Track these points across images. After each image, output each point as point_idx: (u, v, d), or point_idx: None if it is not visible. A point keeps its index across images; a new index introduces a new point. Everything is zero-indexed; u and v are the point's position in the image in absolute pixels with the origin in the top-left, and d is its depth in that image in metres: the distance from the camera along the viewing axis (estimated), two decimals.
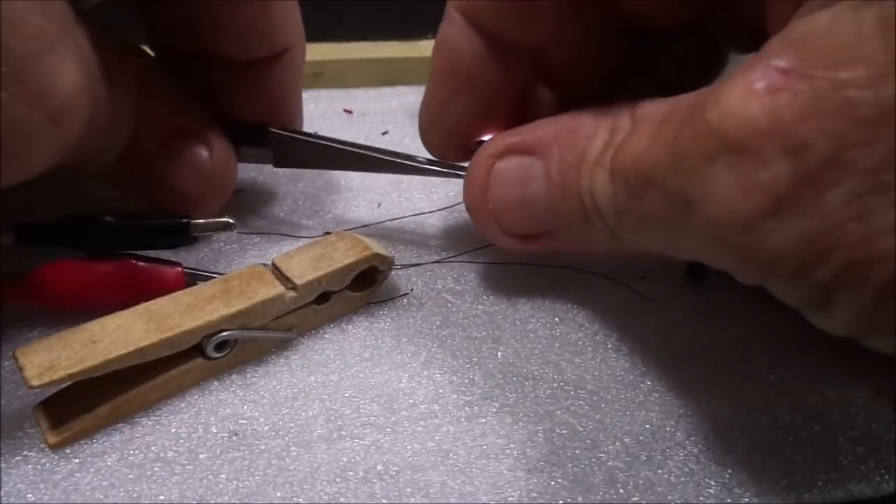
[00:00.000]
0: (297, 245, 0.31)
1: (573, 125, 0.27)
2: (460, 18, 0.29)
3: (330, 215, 0.37)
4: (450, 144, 0.32)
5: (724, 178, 0.20)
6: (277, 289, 0.28)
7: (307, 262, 0.29)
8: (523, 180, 0.28)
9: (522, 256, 0.33)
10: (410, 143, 0.44)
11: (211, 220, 0.31)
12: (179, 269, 0.30)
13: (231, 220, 0.31)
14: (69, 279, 0.29)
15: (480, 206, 0.29)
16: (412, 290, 0.33)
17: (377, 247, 0.30)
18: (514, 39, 0.29)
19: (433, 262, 0.34)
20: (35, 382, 0.23)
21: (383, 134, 0.45)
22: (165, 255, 0.31)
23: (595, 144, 0.26)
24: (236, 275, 0.28)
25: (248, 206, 0.38)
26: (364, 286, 0.31)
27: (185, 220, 0.31)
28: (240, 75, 0.33)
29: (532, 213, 0.28)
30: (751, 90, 0.19)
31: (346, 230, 0.33)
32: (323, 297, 0.29)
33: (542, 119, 0.29)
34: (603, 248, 0.27)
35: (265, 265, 0.29)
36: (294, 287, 0.28)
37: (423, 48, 0.50)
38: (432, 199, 0.39)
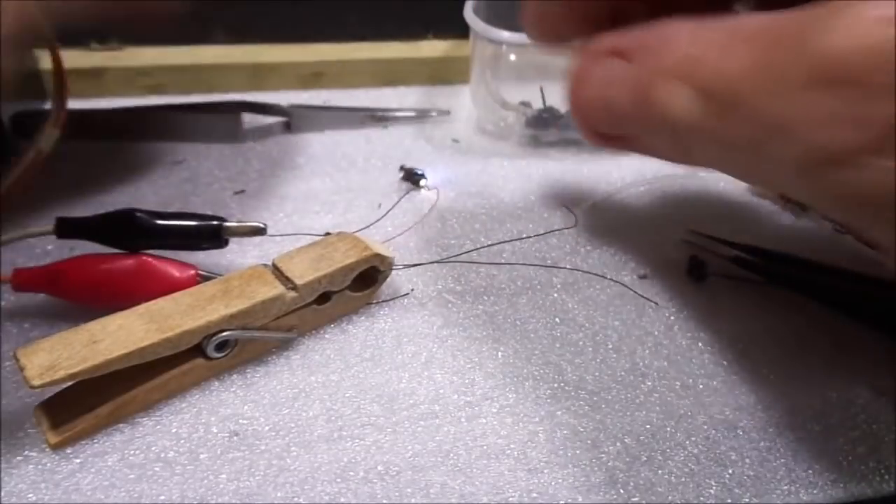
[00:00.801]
0: (298, 245, 0.30)
1: (664, 33, 0.26)
2: None
3: (330, 215, 0.37)
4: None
5: (828, 105, 0.19)
6: (278, 289, 0.28)
7: (307, 262, 0.29)
8: (608, 82, 0.27)
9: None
10: (411, 143, 0.44)
11: (243, 223, 0.32)
12: (194, 271, 0.30)
13: (262, 225, 0.31)
14: (85, 273, 0.29)
15: (575, 99, 0.29)
16: (412, 290, 0.33)
17: (377, 247, 0.30)
18: None
19: (433, 262, 0.34)
20: (36, 382, 0.23)
21: (384, 128, 0.45)
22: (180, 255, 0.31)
23: (683, 53, 0.25)
24: (237, 275, 0.28)
25: (248, 207, 0.38)
26: (365, 286, 0.31)
27: (217, 224, 0.31)
28: None
29: (613, 115, 0.27)
30: (867, 17, 0.18)
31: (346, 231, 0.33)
32: (323, 297, 0.29)
33: (640, 25, 0.28)
34: (678, 160, 0.28)
35: (266, 266, 0.29)
36: (294, 287, 0.28)
37: (423, 48, 0.50)
38: (432, 200, 0.39)
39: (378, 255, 0.30)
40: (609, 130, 0.28)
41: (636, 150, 0.29)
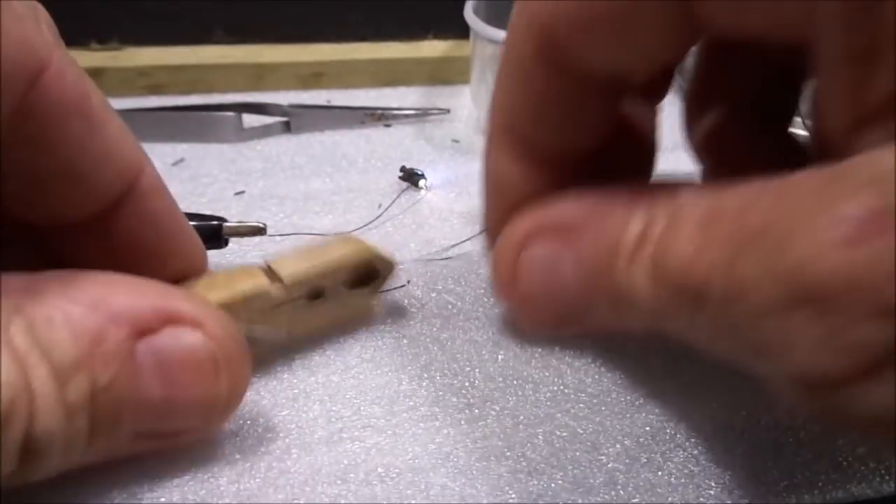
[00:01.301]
0: (298, 245, 0.30)
1: (604, 205, 0.24)
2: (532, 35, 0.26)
3: (330, 216, 0.38)
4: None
5: (808, 330, 0.17)
6: (262, 281, 0.27)
7: (299, 258, 0.28)
8: (551, 270, 0.26)
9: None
10: (411, 143, 0.44)
11: (243, 223, 0.32)
12: None
13: (262, 225, 0.31)
14: None
15: (508, 293, 0.28)
16: (409, 281, 0.33)
17: (379, 248, 0.30)
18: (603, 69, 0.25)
19: (433, 259, 0.34)
20: None
21: (387, 126, 0.45)
22: None
23: (629, 235, 0.23)
24: (225, 271, 0.28)
25: (248, 207, 0.38)
26: (363, 284, 0.30)
27: (217, 224, 0.31)
28: (85, 238, 0.24)
29: (562, 303, 0.26)
30: (832, 236, 0.17)
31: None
32: (316, 295, 0.29)
33: (570, 191, 0.26)
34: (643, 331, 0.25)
35: (258, 265, 0.28)
36: (280, 280, 0.27)
37: (423, 48, 0.50)
38: (433, 200, 0.39)
39: (377, 256, 0.29)
40: (556, 319, 0.27)
41: (589, 331, 0.28)
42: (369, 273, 0.30)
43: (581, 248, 0.25)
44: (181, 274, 0.26)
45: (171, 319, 0.21)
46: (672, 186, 0.23)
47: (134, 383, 0.20)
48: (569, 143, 0.27)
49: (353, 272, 0.29)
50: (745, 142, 0.29)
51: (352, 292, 0.30)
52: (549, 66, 0.25)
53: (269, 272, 0.28)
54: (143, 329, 0.20)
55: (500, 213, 0.29)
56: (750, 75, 0.29)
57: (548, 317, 0.27)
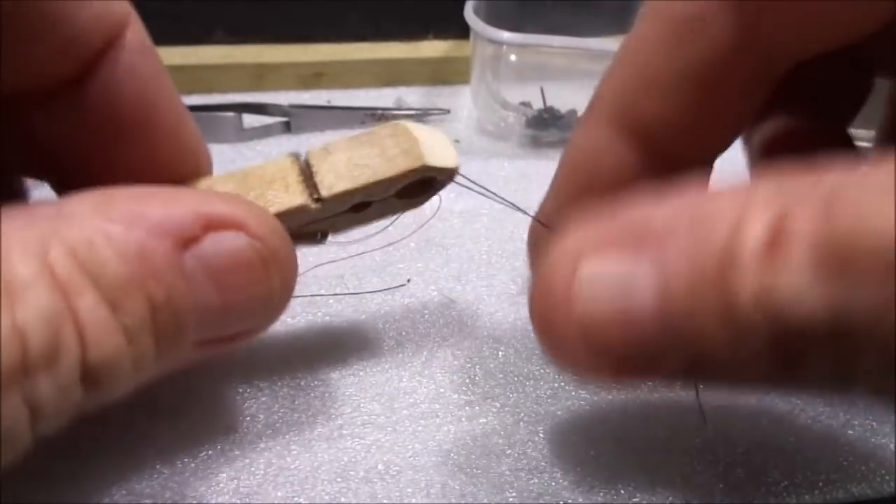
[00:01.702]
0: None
1: (697, 204, 0.18)
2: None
3: None
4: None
5: None
6: (300, 199, 0.23)
7: (343, 166, 0.24)
8: (624, 291, 0.18)
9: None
10: None
11: None
12: None
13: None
14: None
15: (561, 323, 0.19)
16: (409, 280, 0.33)
17: (435, 156, 0.24)
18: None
19: (433, 260, 0.34)
20: None
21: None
22: None
23: (750, 230, 0.16)
24: (258, 172, 0.24)
25: None
26: (416, 193, 0.26)
27: None
28: (59, 110, 0.22)
29: (636, 338, 0.18)
30: None
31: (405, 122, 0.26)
32: (360, 206, 0.25)
33: (634, 193, 0.19)
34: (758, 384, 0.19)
35: (296, 159, 0.24)
36: (320, 199, 0.23)
37: (423, 48, 0.50)
38: (433, 200, 0.38)
39: (431, 168, 0.24)
40: (627, 364, 0.19)
41: (678, 379, 0.21)
42: (424, 181, 0.25)
43: (667, 258, 0.18)
44: (176, 164, 0.23)
45: (212, 225, 0.19)
46: (778, 177, 0.17)
47: (190, 294, 0.19)
48: (699, 129, 0.24)
49: (406, 185, 0.25)
50: (804, 143, 0.28)
51: (403, 201, 0.26)
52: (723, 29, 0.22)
53: (307, 175, 0.24)
54: (187, 238, 0.19)
55: (570, 193, 0.26)
56: (813, 75, 0.26)
57: (612, 358, 0.19)
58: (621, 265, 0.18)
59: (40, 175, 0.25)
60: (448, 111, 0.46)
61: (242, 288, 0.20)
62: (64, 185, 0.24)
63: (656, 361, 0.18)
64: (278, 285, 0.21)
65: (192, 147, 0.24)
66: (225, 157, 0.42)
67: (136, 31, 0.21)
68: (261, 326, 0.22)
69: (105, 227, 0.18)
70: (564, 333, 0.19)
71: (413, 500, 0.24)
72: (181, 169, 0.23)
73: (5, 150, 0.23)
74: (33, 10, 0.19)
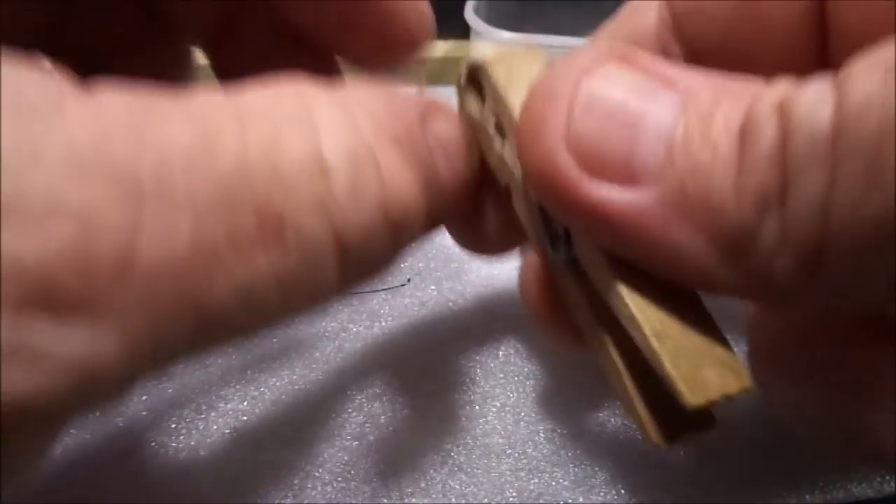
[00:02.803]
0: None
1: (731, 78, 0.17)
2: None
3: None
4: None
5: None
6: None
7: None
8: (643, 93, 0.16)
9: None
10: None
11: None
12: None
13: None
14: None
15: (557, 92, 0.17)
16: (409, 280, 0.33)
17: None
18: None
19: (433, 258, 0.34)
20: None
21: None
22: None
23: (782, 83, 0.15)
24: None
25: None
26: None
27: None
28: None
29: (640, 138, 0.16)
30: None
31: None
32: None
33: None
34: (729, 266, 0.16)
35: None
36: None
37: (424, 48, 0.50)
38: None
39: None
40: (621, 165, 0.16)
41: (656, 214, 0.16)
42: None
43: (696, 97, 0.16)
44: (402, 24, 0.25)
45: (432, 112, 0.20)
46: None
47: (434, 166, 0.20)
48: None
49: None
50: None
51: None
52: None
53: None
54: (422, 117, 0.20)
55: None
56: None
57: (614, 156, 0.16)
58: (650, 80, 0.17)
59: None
60: None
61: (454, 164, 0.21)
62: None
63: (648, 180, 0.16)
64: (475, 164, 0.22)
65: (419, 15, 0.25)
66: None
67: None
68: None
69: (380, 92, 0.18)
70: (559, 100, 0.17)
71: (413, 501, 0.24)
72: (410, 28, 0.25)
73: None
74: None
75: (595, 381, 0.28)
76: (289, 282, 0.15)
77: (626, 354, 0.20)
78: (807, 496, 0.25)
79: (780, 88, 0.15)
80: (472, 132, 0.23)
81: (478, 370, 0.29)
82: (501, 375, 0.29)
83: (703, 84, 0.16)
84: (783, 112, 0.15)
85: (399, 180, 0.17)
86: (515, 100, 0.20)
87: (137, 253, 0.13)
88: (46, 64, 0.14)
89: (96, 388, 0.13)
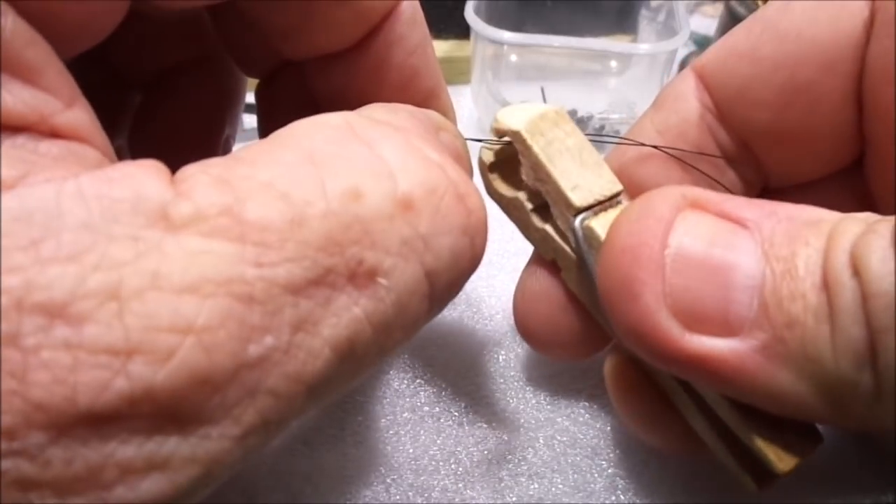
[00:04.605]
0: None
1: (793, 213, 0.18)
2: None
3: None
4: None
5: None
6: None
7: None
8: (723, 244, 0.18)
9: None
10: None
11: None
12: None
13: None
14: None
15: (649, 253, 0.18)
16: None
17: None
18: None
19: None
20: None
21: None
22: None
23: (848, 229, 0.17)
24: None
25: None
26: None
27: None
28: (336, 71, 0.24)
29: (730, 290, 0.17)
30: None
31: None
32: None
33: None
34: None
35: None
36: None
37: None
38: None
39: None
40: (717, 315, 0.17)
41: (759, 362, 0.17)
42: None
43: (765, 231, 0.18)
44: None
45: (441, 126, 0.21)
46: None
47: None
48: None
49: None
50: None
51: None
52: None
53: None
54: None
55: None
56: None
57: (706, 307, 0.18)
58: (723, 224, 0.18)
59: None
60: None
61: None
62: None
63: (744, 330, 0.17)
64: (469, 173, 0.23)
65: (441, 111, 0.24)
66: None
67: (410, 3, 0.23)
68: None
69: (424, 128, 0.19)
70: (652, 262, 0.18)
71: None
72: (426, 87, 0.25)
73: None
74: None
75: (595, 388, 0.28)
76: (384, 325, 0.15)
77: (706, 412, 0.21)
78: (806, 500, 0.25)
79: (849, 235, 0.17)
80: (506, 209, 0.23)
81: (478, 375, 0.29)
82: (501, 380, 0.29)
83: (771, 221, 0.18)
84: (857, 267, 0.16)
85: (472, 193, 0.17)
86: (560, 174, 0.21)
87: (248, 356, 0.13)
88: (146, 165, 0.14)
89: (217, 478, 0.14)
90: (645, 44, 0.46)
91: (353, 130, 0.16)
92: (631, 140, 0.25)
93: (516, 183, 0.23)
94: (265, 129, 0.28)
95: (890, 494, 0.25)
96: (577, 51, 0.45)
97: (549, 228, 0.23)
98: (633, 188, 0.24)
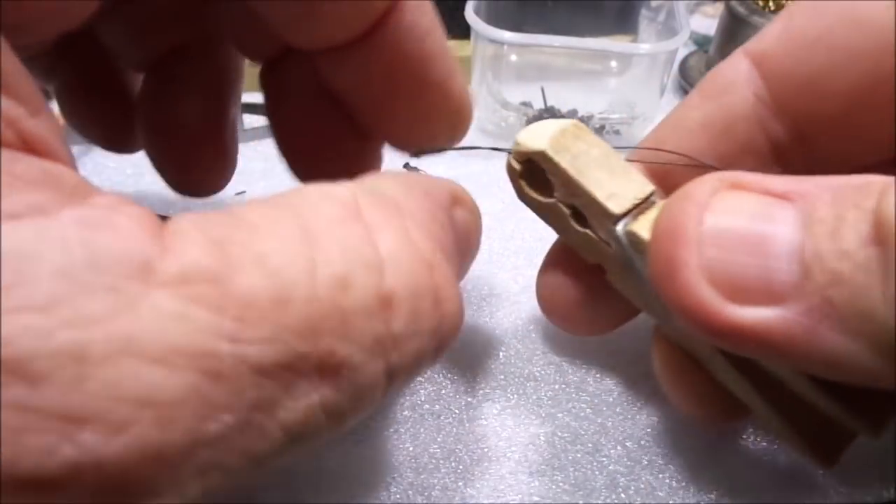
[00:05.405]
0: None
1: (841, 182, 0.18)
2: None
3: None
4: None
5: None
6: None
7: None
8: (762, 216, 0.18)
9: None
10: None
11: None
12: None
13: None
14: None
15: (684, 232, 0.18)
16: None
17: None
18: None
19: None
20: None
21: None
22: None
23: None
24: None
25: None
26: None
27: None
28: (348, 61, 0.23)
29: (770, 259, 0.17)
30: None
31: None
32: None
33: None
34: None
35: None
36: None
37: None
38: None
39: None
40: (752, 284, 0.17)
41: (799, 331, 0.17)
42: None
43: (813, 204, 0.17)
44: (443, 112, 0.24)
45: (456, 201, 0.21)
46: None
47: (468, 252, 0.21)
48: None
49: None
50: None
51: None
52: None
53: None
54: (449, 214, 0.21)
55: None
56: None
57: (742, 276, 0.18)
58: (764, 199, 0.18)
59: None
60: None
61: (470, 250, 0.22)
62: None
63: (783, 298, 0.17)
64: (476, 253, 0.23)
65: (458, 97, 0.24)
66: None
67: None
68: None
69: (433, 210, 0.19)
70: (688, 239, 0.18)
71: (413, 503, 0.24)
72: (446, 117, 0.25)
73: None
74: None
75: (595, 385, 0.28)
76: (338, 413, 0.15)
77: (765, 393, 0.22)
78: (806, 499, 0.25)
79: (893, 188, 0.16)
80: (542, 214, 0.24)
81: (478, 372, 0.29)
82: (502, 377, 0.29)
83: (816, 190, 0.18)
84: None
85: (451, 298, 0.17)
86: (593, 186, 0.21)
87: (206, 433, 0.13)
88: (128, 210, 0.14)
89: None
90: (645, 44, 0.46)
91: (359, 211, 0.16)
92: (656, 147, 0.25)
93: (549, 187, 0.23)
94: (276, 118, 0.27)
95: (892, 491, 0.25)
96: (578, 51, 0.45)
97: (589, 232, 0.23)
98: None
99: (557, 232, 0.25)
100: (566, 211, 0.23)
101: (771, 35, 0.23)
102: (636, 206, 0.22)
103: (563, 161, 0.22)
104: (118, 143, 0.29)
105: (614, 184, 0.22)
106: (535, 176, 0.23)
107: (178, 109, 0.27)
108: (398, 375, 0.16)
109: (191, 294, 0.13)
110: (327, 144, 0.26)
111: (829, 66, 0.22)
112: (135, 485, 0.12)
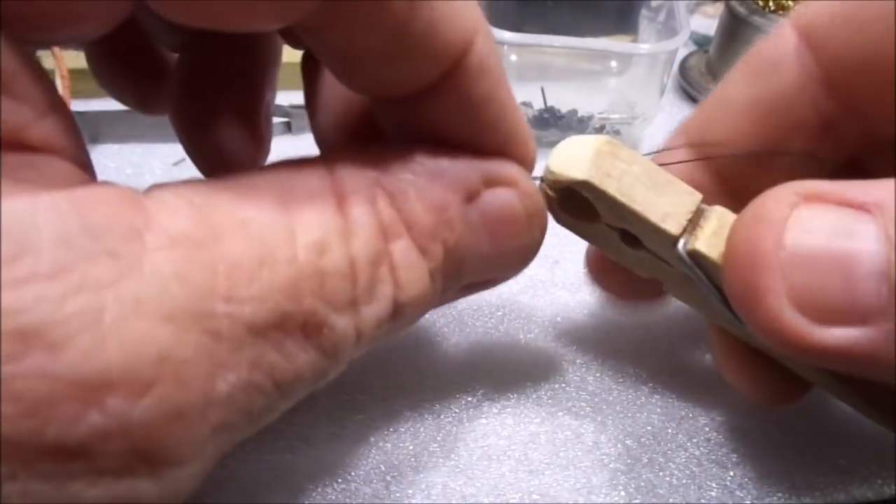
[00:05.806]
0: None
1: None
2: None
3: None
4: None
5: None
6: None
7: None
8: (843, 233, 0.17)
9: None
10: None
11: None
12: None
13: None
14: None
15: (764, 257, 0.18)
16: None
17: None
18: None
19: None
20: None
21: None
22: None
23: None
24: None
25: None
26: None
27: None
28: (409, 113, 0.21)
29: (855, 279, 0.17)
30: None
31: None
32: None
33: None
34: None
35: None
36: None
37: None
38: None
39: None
40: (835, 305, 0.17)
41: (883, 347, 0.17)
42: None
43: (891, 213, 0.17)
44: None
45: (491, 182, 0.21)
46: None
47: (473, 242, 0.21)
48: None
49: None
50: None
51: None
52: None
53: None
54: (472, 193, 0.20)
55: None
56: None
57: (825, 295, 0.17)
58: (842, 213, 0.18)
59: None
60: None
61: (510, 238, 0.22)
62: None
63: (866, 317, 0.17)
64: (537, 237, 0.22)
65: (523, 147, 0.23)
66: None
67: (484, 36, 0.21)
68: (513, 274, 0.23)
69: (415, 180, 0.19)
70: (769, 270, 0.18)
71: (414, 501, 0.24)
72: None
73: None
74: (390, 47, 0.19)
75: (595, 384, 0.28)
76: (322, 370, 0.17)
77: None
78: (807, 498, 0.25)
79: None
80: (587, 238, 0.24)
81: (479, 371, 0.29)
82: (502, 376, 0.29)
83: (892, 200, 0.17)
84: None
85: (407, 264, 0.18)
86: (645, 209, 0.21)
87: (216, 392, 0.14)
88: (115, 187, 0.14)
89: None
90: (645, 44, 0.46)
91: (333, 183, 0.18)
92: (699, 140, 0.25)
93: (590, 210, 0.22)
94: (312, 107, 0.27)
95: (892, 487, 0.25)
96: (578, 51, 0.45)
97: (642, 253, 0.23)
98: (720, 184, 0.24)
99: (605, 252, 0.24)
100: (615, 233, 0.23)
101: (821, 8, 0.22)
102: (689, 220, 0.21)
103: (610, 188, 0.21)
104: (149, 106, 0.29)
105: (664, 201, 0.21)
106: (571, 199, 0.22)
107: (212, 90, 0.26)
108: (364, 334, 0.18)
109: (183, 257, 0.14)
110: (366, 136, 0.25)
111: (890, 46, 0.21)
112: (159, 449, 0.13)
